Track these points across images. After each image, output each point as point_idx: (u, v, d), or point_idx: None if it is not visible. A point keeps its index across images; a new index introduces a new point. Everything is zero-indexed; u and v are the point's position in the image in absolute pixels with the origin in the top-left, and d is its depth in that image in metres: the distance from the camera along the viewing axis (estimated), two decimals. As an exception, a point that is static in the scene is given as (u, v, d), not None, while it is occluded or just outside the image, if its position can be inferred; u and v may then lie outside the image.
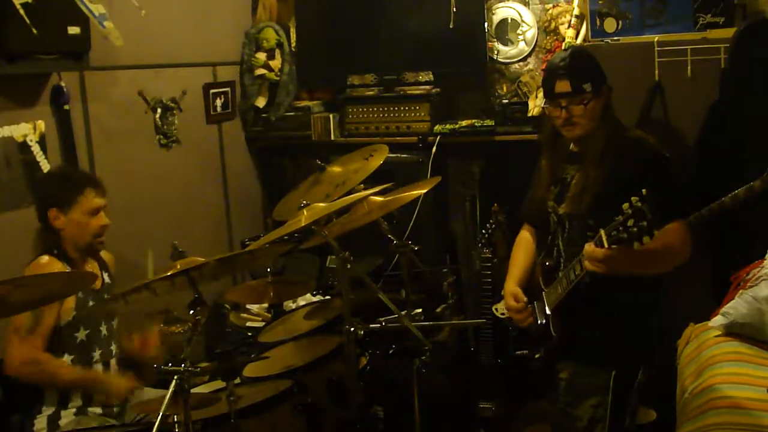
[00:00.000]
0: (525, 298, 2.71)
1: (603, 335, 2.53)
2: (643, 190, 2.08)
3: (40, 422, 2.73)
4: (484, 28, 4.14)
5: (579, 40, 3.85)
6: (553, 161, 2.65)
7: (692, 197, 3.23)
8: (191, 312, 2.21)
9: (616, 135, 2.53)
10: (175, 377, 2.12)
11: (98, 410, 2.82)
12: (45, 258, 2.75)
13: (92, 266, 2.93)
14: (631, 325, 2.54)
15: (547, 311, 2.62)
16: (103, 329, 2.90)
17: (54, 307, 2.71)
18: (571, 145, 2.64)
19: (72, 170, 3.17)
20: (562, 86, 2.50)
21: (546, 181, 2.65)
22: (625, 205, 2.11)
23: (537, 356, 2.68)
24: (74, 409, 2.76)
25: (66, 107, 3.33)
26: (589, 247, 2.27)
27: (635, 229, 2.08)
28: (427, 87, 4.24)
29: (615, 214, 2.15)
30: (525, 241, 2.87)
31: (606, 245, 2.18)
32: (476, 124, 4.14)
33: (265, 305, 3.75)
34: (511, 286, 2.77)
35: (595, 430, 2.54)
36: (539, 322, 2.66)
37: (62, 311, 2.75)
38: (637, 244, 2.10)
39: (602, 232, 2.20)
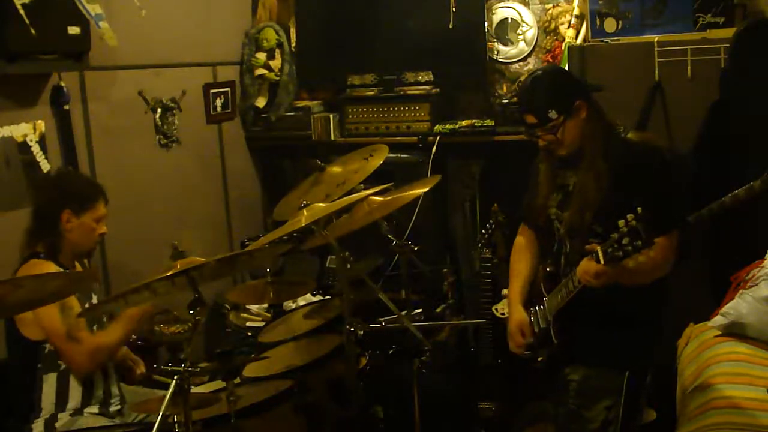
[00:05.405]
0: (531, 339, 2.67)
1: (614, 338, 2.52)
2: (639, 209, 2.12)
3: (38, 427, 2.71)
4: (484, 28, 4.13)
5: (579, 40, 3.85)
6: (551, 167, 2.62)
7: (692, 197, 3.23)
8: (191, 312, 2.21)
9: (611, 141, 2.49)
10: (175, 377, 2.12)
11: (95, 410, 2.81)
12: (39, 261, 2.73)
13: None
14: (641, 327, 2.53)
15: (549, 317, 2.61)
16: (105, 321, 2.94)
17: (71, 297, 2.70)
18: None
19: (87, 177, 3.18)
20: (529, 119, 2.52)
21: (545, 190, 2.62)
22: (621, 222, 2.15)
23: (540, 359, 2.68)
24: (71, 411, 2.75)
25: (66, 107, 3.33)
26: (585, 263, 2.32)
27: (630, 248, 2.14)
28: (427, 87, 4.23)
29: (618, 219, 2.17)
30: (523, 248, 2.82)
31: (602, 262, 2.24)
32: (476, 124, 4.13)
33: (265, 305, 3.75)
34: (518, 313, 2.70)
35: (608, 431, 2.53)
36: (541, 326, 2.65)
37: None
38: (632, 263, 2.17)
39: (599, 249, 2.25)
